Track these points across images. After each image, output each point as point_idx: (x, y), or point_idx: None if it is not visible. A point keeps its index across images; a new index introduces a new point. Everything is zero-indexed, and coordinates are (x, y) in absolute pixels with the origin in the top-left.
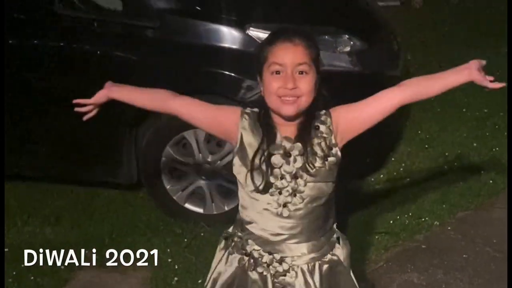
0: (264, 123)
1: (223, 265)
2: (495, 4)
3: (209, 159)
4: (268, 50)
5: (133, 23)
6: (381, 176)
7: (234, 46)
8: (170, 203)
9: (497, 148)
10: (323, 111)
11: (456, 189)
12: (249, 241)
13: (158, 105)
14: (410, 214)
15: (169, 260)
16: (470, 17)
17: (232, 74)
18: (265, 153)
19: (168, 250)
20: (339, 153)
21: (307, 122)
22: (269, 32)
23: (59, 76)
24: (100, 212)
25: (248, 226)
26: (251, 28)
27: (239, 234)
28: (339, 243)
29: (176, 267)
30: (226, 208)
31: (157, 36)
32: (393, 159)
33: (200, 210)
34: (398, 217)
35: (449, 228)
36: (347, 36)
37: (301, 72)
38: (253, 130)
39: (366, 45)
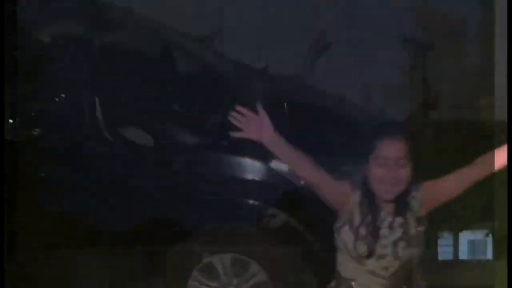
0: (371, 201)
1: None
2: None
3: (234, 282)
4: (377, 144)
5: (164, 158)
6: None
7: (257, 178)
8: None
9: None
10: (415, 187)
11: None
12: None
13: (309, 175)
14: None
15: None
16: None
17: (256, 203)
18: (372, 226)
19: None
20: (426, 222)
21: (403, 199)
22: None
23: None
24: None
25: (350, 282)
26: (273, 161)
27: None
28: None
29: None
30: None
31: (186, 169)
32: None
33: None
34: None
35: None
36: None
37: (400, 163)
38: (362, 204)
39: None
